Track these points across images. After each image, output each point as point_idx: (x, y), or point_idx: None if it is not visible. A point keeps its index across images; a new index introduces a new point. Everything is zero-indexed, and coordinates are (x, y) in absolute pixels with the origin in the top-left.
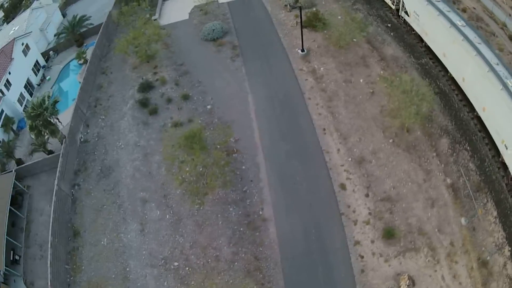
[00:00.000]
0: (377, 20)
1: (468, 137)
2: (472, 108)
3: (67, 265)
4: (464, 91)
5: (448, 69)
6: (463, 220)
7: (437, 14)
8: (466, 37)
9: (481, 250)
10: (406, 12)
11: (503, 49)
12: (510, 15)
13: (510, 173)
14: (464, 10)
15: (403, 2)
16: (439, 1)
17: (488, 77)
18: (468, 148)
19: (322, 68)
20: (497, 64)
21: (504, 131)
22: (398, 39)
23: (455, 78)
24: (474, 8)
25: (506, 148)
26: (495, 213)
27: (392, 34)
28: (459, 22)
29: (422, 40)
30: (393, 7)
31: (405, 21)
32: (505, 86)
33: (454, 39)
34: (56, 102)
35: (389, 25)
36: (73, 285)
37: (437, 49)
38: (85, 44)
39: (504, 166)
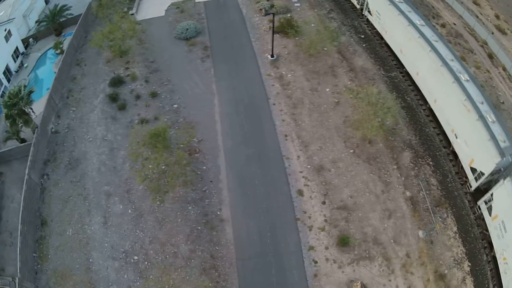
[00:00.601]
0: (350, 30)
1: (432, 153)
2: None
3: (35, 253)
4: (418, 85)
5: (404, 65)
6: (420, 233)
7: (397, 14)
8: (422, 35)
9: (439, 264)
10: (369, 11)
11: (479, 67)
12: (492, 33)
13: (462, 167)
14: (443, 26)
15: (367, 1)
16: (401, 2)
17: (441, 71)
18: (431, 163)
19: (289, 75)
20: (452, 60)
21: (453, 121)
22: (370, 51)
23: (410, 73)
24: (455, 24)
25: (456, 137)
26: (455, 228)
27: (364, 45)
28: (418, 22)
29: (393, 54)
30: (358, 6)
31: (367, 20)
32: (456, 79)
33: (411, 37)
34: (31, 92)
35: (362, 36)
36: (40, 273)
37: (395, 46)
38: (63, 34)
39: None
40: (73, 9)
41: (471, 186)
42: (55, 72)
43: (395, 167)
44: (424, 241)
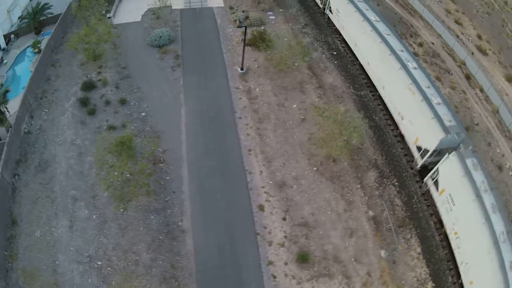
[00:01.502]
0: (323, 46)
1: (398, 173)
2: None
3: (6, 251)
4: (368, 74)
5: (358, 57)
6: (382, 253)
7: (353, 11)
8: (375, 28)
9: (401, 284)
10: (330, 10)
11: (455, 88)
12: (472, 53)
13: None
14: (420, 45)
15: (329, 1)
16: (360, 1)
17: (389, 59)
18: (396, 183)
19: (257, 89)
20: (402, 51)
21: (399, 104)
22: (341, 68)
23: (362, 63)
24: (433, 43)
25: (402, 119)
26: (418, 249)
27: (335, 62)
28: (373, 18)
29: (364, 71)
30: (321, 6)
31: (329, 19)
32: (403, 66)
33: (364, 30)
34: (7, 91)
35: (334, 53)
36: (11, 271)
37: (350, 40)
38: (42, 33)
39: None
40: (54, 8)
41: (417, 164)
42: (31, 71)
43: (359, 186)
44: (386, 260)
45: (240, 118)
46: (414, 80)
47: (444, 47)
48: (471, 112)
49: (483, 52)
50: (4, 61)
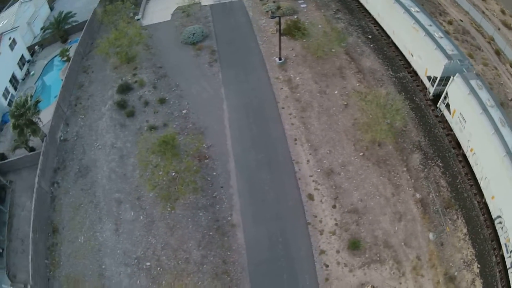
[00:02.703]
0: (357, 31)
1: (441, 154)
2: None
3: (47, 260)
4: (380, 23)
5: (381, 24)
6: (431, 235)
7: None
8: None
9: (449, 266)
10: None
11: (487, 64)
12: (499, 29)
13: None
14: (450, 22)
15: None
16: None
17: (394, 7)
18: (440, 164)
19: (298, 78)
20: (418, 12)
21: (408, 43)
22: (378, 51)
23: (375, 18)
24: (461, 21)
25: (412, 56)
26: (464, 230)
27: (372, 45)
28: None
29: (401, 53)
30: None
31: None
32: (406, 10)
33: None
34: (38, 102)
35: (369, 36)
36: (53, 280)
37: (373, 11)
38: (69, 41)
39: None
40: (78, 16)
41: (430, 93)
42: (62, 80)
43: (405, 169)
44: (434, 243)
45: (283, 108)
46: (417, 20)
47: (472, 23)
48: (505, 88)
49: (509, 27)
50: (31, 73)
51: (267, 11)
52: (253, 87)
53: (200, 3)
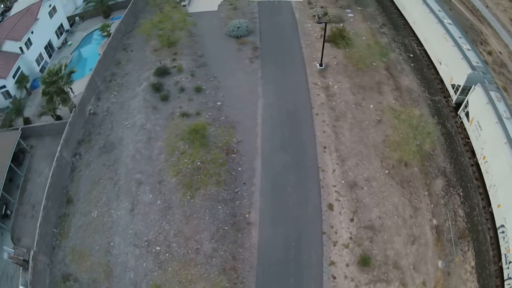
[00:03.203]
0: (400, 48)
1: (463, 183)
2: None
3: (55, 228)
4: (414, 30)
5: (405, 16)
6: (440, 263)
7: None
8: None
9: None
10: None
11: None
12: None
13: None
14: (489, 53)
15: None
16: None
17: (428, 17)
18: (461, 193)
19: (336, 86)
20: (439, 11)
21: (438, 51)
22: (417, 71)
23: (409, 22)
24: (500, 53)
25: (440, 64)
26: (473, 263)
27: (412, 65)
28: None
29: (440, 78)
30: None
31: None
32: (440, 21)
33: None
34: (72, 72)
35: (411, 55)
36: (58, 249)
37: (410, 18)
38: (111, 17)
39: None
40: None
41: (452, 100)
42: (99, 54)
43: (427, 193)
44: (442, 271)
45: (317, 114)
46: (448, 31)
47: (510, 57)
48: None
49: None
50: (69, 43)
51: (314, 16)
52: (290, 89)
53: None
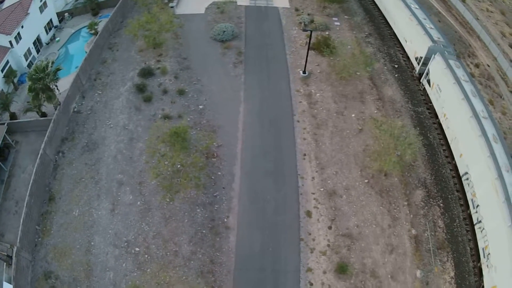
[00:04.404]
0: (385, 58)
1: (444, 195)
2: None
3: (38, 226)
4: (393, 28)
5: (386, 17)
6: (418, 273)
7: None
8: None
9: None
10: None
11: (505, 113)
12: None
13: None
14: (477, 66)
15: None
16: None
17: (398, 3)
18: (441, 205)
19: (318, 94)
20: (416, 8)
21: (404, 31)
22: (401, 82)
23: (389, 22)
24: (488, 66)
25: (406, 42)
26: (452, 274)
27: (396, 75)
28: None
29: (424, 89)
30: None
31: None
32: (407, 6)
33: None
34: (58, 69)
35: (396, 65)
36: (40, 246)
37: (382, 7)
38: (100, 15)
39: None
40: None
41: (416, 71)
42: (86, 52)
43: (406, 203)
44: (420, 281)
45: (298, 121)
46: (413, 13)
47: (498, 70)
48: None
49: None
50: (57, 39)
51: (300, 23)
52: (273, 95)
53: (236, 2)
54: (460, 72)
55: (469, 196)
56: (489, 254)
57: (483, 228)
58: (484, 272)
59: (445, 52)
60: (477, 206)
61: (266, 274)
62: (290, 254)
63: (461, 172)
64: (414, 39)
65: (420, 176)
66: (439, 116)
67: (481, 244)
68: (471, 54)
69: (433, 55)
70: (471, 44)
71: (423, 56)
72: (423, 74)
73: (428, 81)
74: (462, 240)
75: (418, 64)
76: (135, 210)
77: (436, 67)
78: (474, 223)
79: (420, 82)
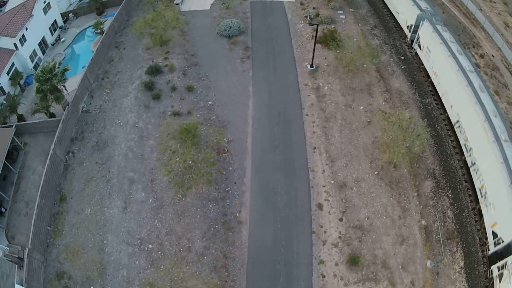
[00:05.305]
0: (391, 50)
1: (453, 185)
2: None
3: (49, 226)
4: (387, 3)
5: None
6: (428, 263)
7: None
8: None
9: None
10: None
11: (511, 103)
12: None
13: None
14: (482, 56)
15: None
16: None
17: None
18: (450, 195)
19: (326, 88)
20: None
21: (397, 6)
22: (408, 74)
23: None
24: (493, 56)
25: (398, 13)
26: (461, 263)
27: (403, 67)
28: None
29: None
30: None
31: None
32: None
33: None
34: (65, 70)
35: (402, 57)
36: (52, 247)
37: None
38: (105, 14)
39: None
40: None
41: (408, 38)
42: (92, 51)
43: (415, 194)
44: (430, 271)
45: (307, 115)
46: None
47: (503, 60)
48: None
49: None
50: (62, 39)
51: (306, 16)
52: (281, 90)
53: None
54: (446, 35)
55: (462, 142)
56: (486, 192)
57: (478, 169)
58: (483, 212)
59: (433, 19)
60: (470, 149)
61: (279, 267)
62: (302, 246)
63: (453, 121)
64: (405, 10)
65: (428, 167)
66: (431, 75)
67: (477, 185)
68: (476, 45)
69: (421, 22)
70: (476, 35)
71: (413, 24)
72: (413, 41)
73: (419, 46)
74: (471, 230)
75: (409, 32)
76: (147, 208)
77: (425, 31)
78: (469, 165)
79: (412, 48)
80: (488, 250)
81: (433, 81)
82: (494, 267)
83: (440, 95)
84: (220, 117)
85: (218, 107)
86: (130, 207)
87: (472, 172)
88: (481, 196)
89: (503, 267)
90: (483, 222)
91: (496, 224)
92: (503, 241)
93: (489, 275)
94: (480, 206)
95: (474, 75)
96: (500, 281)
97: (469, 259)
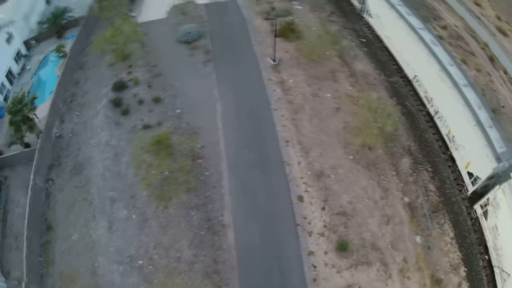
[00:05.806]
0: (351, 34)
1: (431, 159)
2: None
3: (40, 257)
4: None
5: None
6: (418, 239)
7: None
8: None
9: (435, 269)
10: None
11: (480, 70)
12: (494, 35)
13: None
14: (444, 27)
15: None
16: None
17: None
18: (430, 169)
19: (291, 80)
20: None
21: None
22: (371, 55)
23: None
24: (456, 26)
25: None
26: (452, 234)
27: (365, 49)
28: None
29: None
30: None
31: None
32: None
33: None
34: (34, 98)
35: (363, 40)
36: (46, 277)
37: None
38: (65, 36)
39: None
40: (75, 11)
41: (359, 9)
42: (58, 76)
43: (394, 173)
44: (421, 246)
45: (276, 109)
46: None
47: (467, 29)
48: (497, 94)
49: (504, 33)
50: (28, 67)
51: (262, 12)
52: (246, 88)
53: (194, 1)
54: (396, 1)
55: (422, 95)
56: (453, 136)
57: (442, 116)
58: (455, 155)
59: None
60: (431, 99)
61: (269, 264)
62: (289, 240)
63: (411, 77)
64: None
65: (404, 144)
66: (383, 40)
67: (444, 131)
68: (437, 17)
69: None
70: (435, 8)
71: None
72: (365, 11)
73: (370, 14)
74: (456, 200)
75: (360, 3)
76: (131, 224)
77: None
78: (433, 115)
79: (362, 17)
80: (467, 191)
81: (386, 44)
82: (476, 207)
83: (395, 56)
84: (190, 124)
85: (187, 114)
86: (115, 226)
87: (437, 121)
88: (450, 141)
89: (486, 204)
90: (456, 167)
91: (470, 164)
92: (479, 178)
93: (474, 215)
94: (450, 151)
95: (425, 32)
96: (486, 219)
97: (458, 229)
